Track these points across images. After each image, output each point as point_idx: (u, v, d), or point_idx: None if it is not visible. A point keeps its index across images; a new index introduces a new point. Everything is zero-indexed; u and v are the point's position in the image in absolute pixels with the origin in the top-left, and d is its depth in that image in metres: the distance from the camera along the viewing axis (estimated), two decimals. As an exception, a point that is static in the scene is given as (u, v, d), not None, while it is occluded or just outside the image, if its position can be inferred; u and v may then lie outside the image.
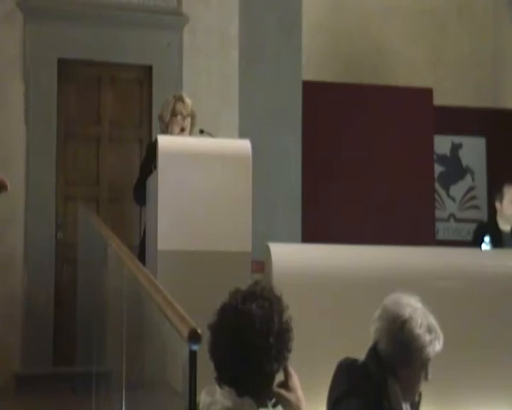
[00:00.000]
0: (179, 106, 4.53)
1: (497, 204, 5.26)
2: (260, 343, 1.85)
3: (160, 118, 4.61)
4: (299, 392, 1.92)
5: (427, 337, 2.33)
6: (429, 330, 2.34)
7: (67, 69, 5.97)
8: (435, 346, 2.34)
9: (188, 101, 4.56)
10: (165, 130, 4.54)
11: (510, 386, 3.30)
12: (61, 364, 5.56)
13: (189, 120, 4.53)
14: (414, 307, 2.36)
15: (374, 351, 2.37)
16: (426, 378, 2.37)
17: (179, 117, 4.50)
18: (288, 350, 1.90)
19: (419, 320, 2.33)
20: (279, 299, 1.93)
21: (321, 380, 2.49)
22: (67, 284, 5.61)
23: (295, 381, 1.93)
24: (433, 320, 2.37)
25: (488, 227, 5.33)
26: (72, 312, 5.15)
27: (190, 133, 4.54)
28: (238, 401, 1.84)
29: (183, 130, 4.53)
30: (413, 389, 2.36)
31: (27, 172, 5.77)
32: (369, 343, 2.41)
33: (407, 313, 2.34)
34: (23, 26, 5.84)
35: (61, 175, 5.93)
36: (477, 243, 5.17)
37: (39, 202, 5.77)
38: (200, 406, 1.87)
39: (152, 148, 4.19)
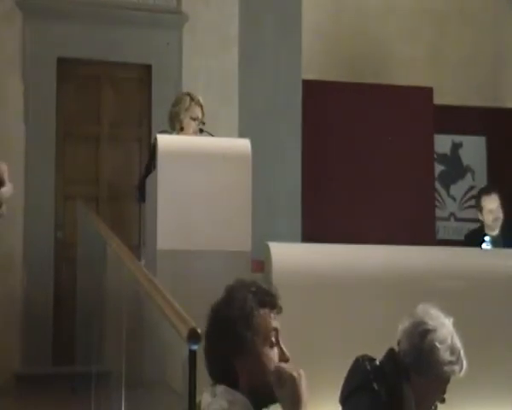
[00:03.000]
0: (197, 111, 4.51)
1: (480, 215, 5.19)
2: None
3: (176, 116, 4.55)
4: (301, 391, 1.86)
5: (446, 356, 2.29)
6: (452, 351, 2.31)
7: (67, 68, 5.96)
8: (454, 370, 2.30)
9: (203, 104, 4.54)
10: (179, 129, 4.51)
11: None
12: (61, 363, 5.55)
13: (200, 123, 4.52)
14: (442, 323, 2.34)
15: (392, 352, 2.37)
16: (442, 400, 2.34)
17: (195, 121, 4.48)
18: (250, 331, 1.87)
19: (443, 336, 2.31)
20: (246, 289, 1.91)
21: (320, 379, 2.48)
22: (67, 283, 5.60)
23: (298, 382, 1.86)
24: (459, 345, 2.33)
25: (478, 233, 5.26)
26: (72, 311, 5.15)
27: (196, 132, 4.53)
28: (231, 399, 1.83)
29: (182, 129, 4.52)
30: (424, 404, 2.32)
31: (26, 172, 5.76)
32: (371, 342, 2.40)
33: (434, 324, 2.33)
34: (22, 24, 5.84)
35: (61, 174, 5.92)
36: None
37: (38, 202, 5.76)
38: (202, 406, 1.85)
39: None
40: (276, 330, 1.90)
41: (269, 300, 1.91)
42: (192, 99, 4.58)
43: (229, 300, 1.90)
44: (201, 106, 4.55)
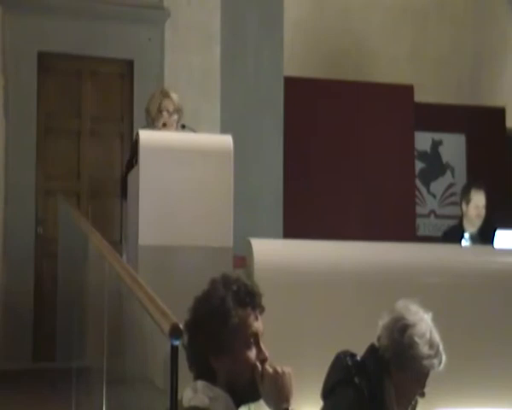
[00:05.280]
0: (166, 102, 4.50)
1: (464, 206, 5.08)
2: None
3: (147, 112, 4.58)
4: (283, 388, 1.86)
5: (425, 350, 2.32)
6: (430, 345, 2.33)
7: (48, 62, 5.92)
8: (433, 363, 2.33)
9: (174, 96, 4.53)
10: (152, 124, 4.51)
11: (492, 379, 3.33)
12: (41, 360, 5.52)
13: (175, 116, 4.50)
14: (421, 318, 2.36)
15: (372, 347, 2.39)
16: (422, 394, 2.36)
17: (165, 113, 4.46)
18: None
19: (422, 331, 2.33)
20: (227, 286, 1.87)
21: (302, 374, 2.49)
22: (47, 279, 5.57)
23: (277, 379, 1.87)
24: (437, 339, 2.35)
25: (457, 230, 5.21)
26: (53, 307, 5.11)
27: (176, 127, 4.51)
28: (212, 395, 1.83)
29: (164, 125, 4.51)
30: (405, 398, 2.35)
31: (7, 167, 5.72)
32: (352, 338, 2.42)
33: (413, 319, 2.35)
34: (2, 18, 5.78)
35: (42, 169, 5.88)
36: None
37: (19, 197, 5.72)
38: (183, 402, 1.85)
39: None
40: (255, 333, 1.85)
41: (250, 300, 1.86)
42: (160, 92, 4.60)
43: (208, 296, 1.87)
44: (170, 97, 4.54)
